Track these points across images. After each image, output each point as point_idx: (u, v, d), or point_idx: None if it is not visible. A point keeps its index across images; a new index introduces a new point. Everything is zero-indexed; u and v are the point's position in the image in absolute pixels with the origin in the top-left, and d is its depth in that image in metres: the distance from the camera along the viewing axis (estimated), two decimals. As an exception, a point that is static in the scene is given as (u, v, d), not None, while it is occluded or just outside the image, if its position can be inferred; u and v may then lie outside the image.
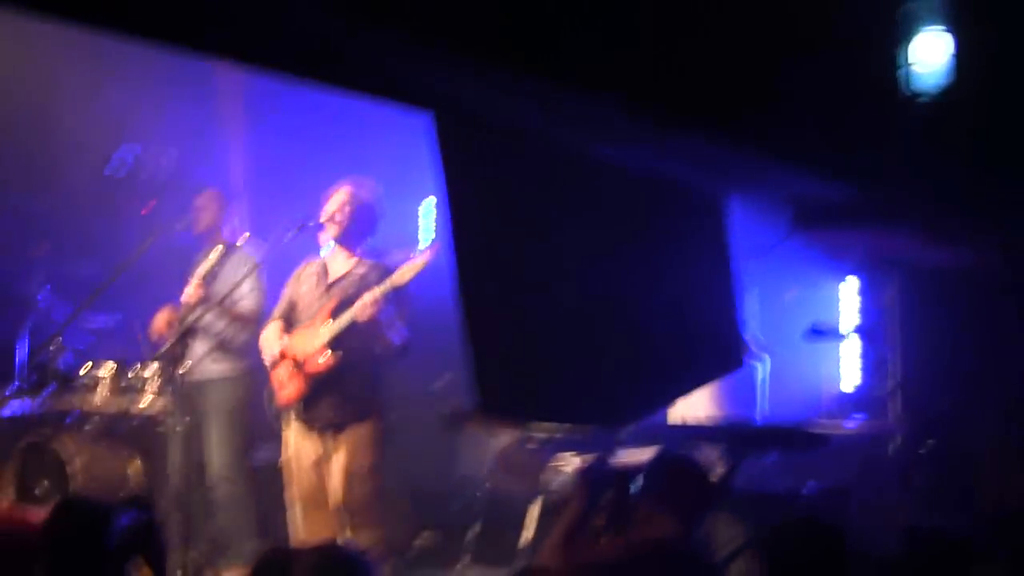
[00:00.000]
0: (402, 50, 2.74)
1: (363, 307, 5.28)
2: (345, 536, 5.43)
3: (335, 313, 5.42)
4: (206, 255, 6.42)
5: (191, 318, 6.00)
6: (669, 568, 3.55)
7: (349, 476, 5.41)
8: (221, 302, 6.06)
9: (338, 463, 5.45)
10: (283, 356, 5.56)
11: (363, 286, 5.46)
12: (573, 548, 3.74)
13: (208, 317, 6.15)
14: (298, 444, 5.58)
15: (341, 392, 5.45)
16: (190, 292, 6.20)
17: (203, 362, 6.31)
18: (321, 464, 5.51)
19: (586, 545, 3.80)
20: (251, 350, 6.27)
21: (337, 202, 5.57)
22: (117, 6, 2.54)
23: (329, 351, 5.42)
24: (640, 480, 3.76)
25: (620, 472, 3.88)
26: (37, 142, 7.19)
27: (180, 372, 5.49)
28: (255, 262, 6.15)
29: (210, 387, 6.32)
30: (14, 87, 6.71)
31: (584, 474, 3.92)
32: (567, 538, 3.77)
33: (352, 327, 5.37)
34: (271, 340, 5.68)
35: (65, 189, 7.62)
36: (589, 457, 4.85)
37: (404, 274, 5.32)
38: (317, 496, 5.52)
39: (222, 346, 6.34)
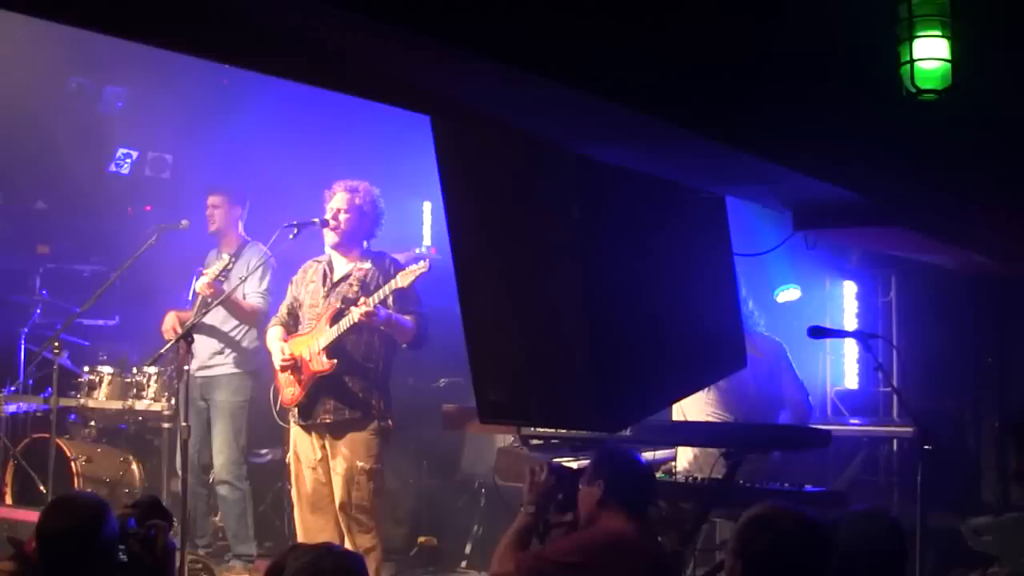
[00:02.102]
0: (402, 50, 2.74)
1: (361, 312, 5.28)
2: (346, 538, 5.44)
3: (335, 316, 5.43)
4: (217, 254, 6.43)
5: (198, 317, 6.01)
6: (617, 561, 3.62)
7: (348, 478, 5.41)
8: (227, 301, 6.07)
9: (337, 465, 5.45)
10: (285, 357, 5.56)
11: (363, 287, 5.47)
12: (522, 551, 3.83)
13: (215, 316, 6.16)
14: (299, 445, 5.59)
15: (340, 395, 5.45)
16: (199, 291, 6.19)
17: (208, 360, 6.32)
18: (321, 466, 5.52)
19: (535, 545, 3.89)
20: (256, 349, 6.27)
21: (337, 204, 5.58)
22: (116, 7, 2.54)
23: (327, 354, 5.42)
24: (585, 477, 3.86)
25: (568, 473, 3.97)
26: (37, 143, 7.19)
27: (185, 370, 5.49)
28: (262, 262, 6.17)
29: (214, 385, 6.33)
30: (14, 88, 6.71)
31: (534, 479, 3.99)
32: (516, 543, 3.86)
33: (352, 329, 5.37)
34: (275, 341, 5.69)
35: (65, 189, 7.63)
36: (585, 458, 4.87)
37: (404, 279, 5.33)
38: (318, 497, 5.52)
39: (228, 345, 6.35)
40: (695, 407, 5.30)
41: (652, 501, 3.96)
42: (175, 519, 5.27)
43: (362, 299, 5.34)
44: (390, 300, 5.39)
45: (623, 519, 3.72)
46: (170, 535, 3.29)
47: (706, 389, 5.20)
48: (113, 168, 7.71)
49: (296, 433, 5.60)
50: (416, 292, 5.48)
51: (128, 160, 7.71)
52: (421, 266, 5.32)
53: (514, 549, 3.83)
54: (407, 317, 5.44)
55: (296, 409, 5.55)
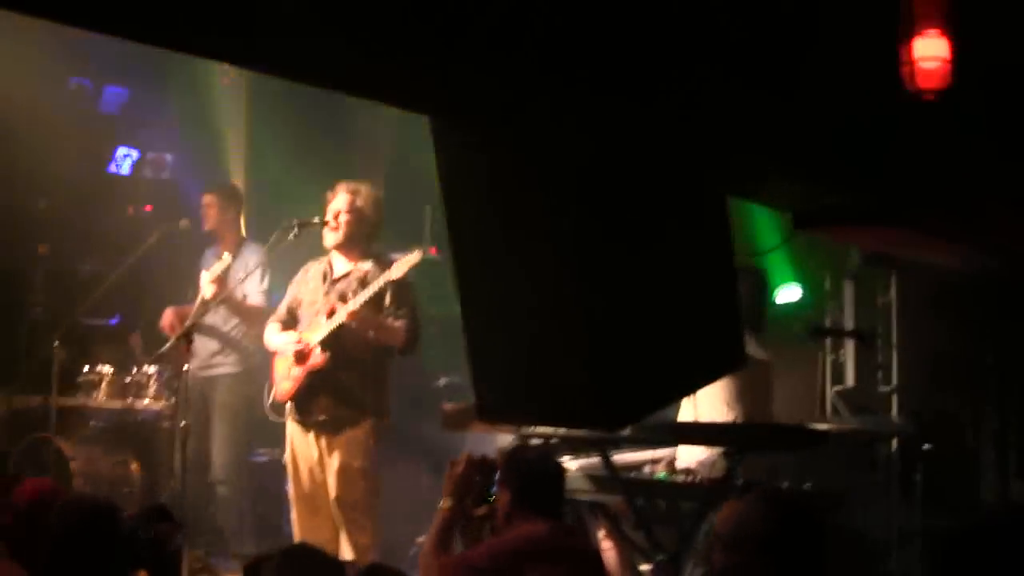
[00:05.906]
0: (402, 50, 2.74)
1: (354, 308, 5.28)
2: (342, 537, 5.43)
3: (331, 313, 5.43)
4: (215, 254, 6.43)
5: (198, 317, 6.01)
6: (530, 566, 3.66)
7: (344, 477, 5.40)
8: (227, 300, 6.07)
9: (333, 464, 5.44)
10: (280, 353, 5.56)
11: (362, 286, 5.47)
12: (446, 550, 3.88)
13: (214, 316, 6.16)
14: (296, 446, 5.58)
15: (336, 392, 5.44)
16: (202, 290, 6.18)
17: (208, 360, 6.32)
18: (317, 464, 5.50)
19: (457, 545, 3.94)
20: (256, 349, 6.27)
21: (338, 205, 5.57)
22: (117, 7, 2.54)
23: (321, 350, 5.41)
24: (498, 479, 3.92)
25: (486, 463, 4.01)
26: (37, 143, 7.19)
27: (185, 369, 5.50)
28: (260, 260, 6.17)
29: (215, 384, 6.33)
30: (14, 88, 6.71)
31: (452, 471, 4.03)
32: (439, 543, 3.89)
33: (348, 327, 5.37)
34: (272, 337, 5.69)
35: (65, 189, 7.63)
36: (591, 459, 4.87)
37: (398, 269, 5.33)
38: (314, 496, 5.51)
39: (228, 345, 6.35)
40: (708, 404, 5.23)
41: (564, 499, 4.01)
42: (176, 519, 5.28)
43: (357, 297, 5.33)
44: (387, 297, 5.37)
45: (536, 522, 3.77)
46: (178, 539, 3.30)
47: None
48: (113, 168, 7.72)
49: (292, 432, 5.59)
50: (411, 293, 5.46)
51: (128, 160, 7.71)
52: (415, 256, 5.32)
53: (437, 551, 3.86)
54: (397, 323, 5.42)
55: (291, 404, 5.54)
